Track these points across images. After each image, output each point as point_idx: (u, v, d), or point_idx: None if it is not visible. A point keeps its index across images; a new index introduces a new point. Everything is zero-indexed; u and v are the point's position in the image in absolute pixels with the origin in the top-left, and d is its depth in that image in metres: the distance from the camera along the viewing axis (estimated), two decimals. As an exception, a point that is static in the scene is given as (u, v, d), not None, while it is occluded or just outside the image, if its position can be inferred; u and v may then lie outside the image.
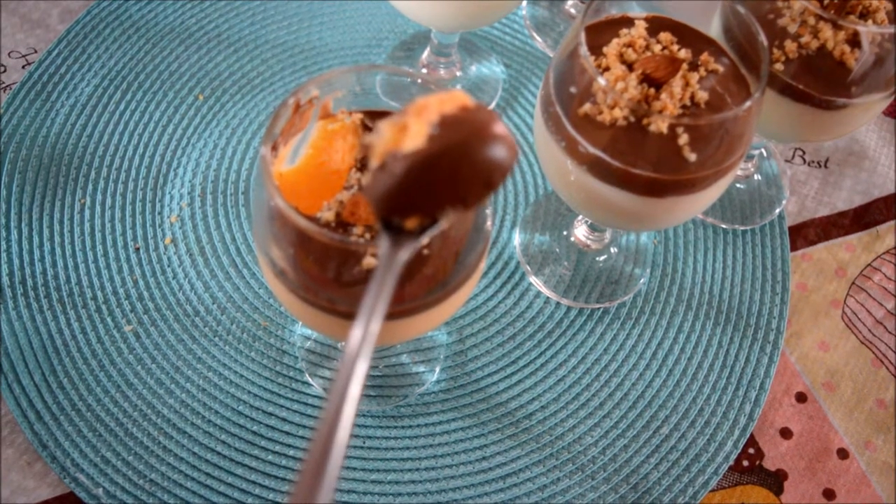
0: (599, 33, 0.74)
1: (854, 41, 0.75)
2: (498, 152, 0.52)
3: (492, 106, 1.03)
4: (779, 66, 0.78)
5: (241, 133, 0.97)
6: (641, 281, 0.93)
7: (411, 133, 0.51)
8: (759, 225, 0.97)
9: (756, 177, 1.01)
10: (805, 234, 0.98)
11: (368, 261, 0.59)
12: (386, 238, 0.53)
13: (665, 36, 0.74)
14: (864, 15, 0.77)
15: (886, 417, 0.87)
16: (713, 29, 0.79)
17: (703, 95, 0.71)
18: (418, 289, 0.61)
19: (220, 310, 0.86)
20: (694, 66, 0.73)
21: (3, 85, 0.98)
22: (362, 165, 0.65)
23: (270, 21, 1.05)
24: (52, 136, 0.94)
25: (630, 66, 0.72)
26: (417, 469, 0.81)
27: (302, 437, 0.81)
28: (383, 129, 0.52)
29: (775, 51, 0.77)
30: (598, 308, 0.91)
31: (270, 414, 0.82)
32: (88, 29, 1.01)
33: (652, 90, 0.71)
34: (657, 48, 0.74)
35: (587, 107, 0.71)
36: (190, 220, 0.91)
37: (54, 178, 0.92)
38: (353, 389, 0.48)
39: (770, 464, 0.84)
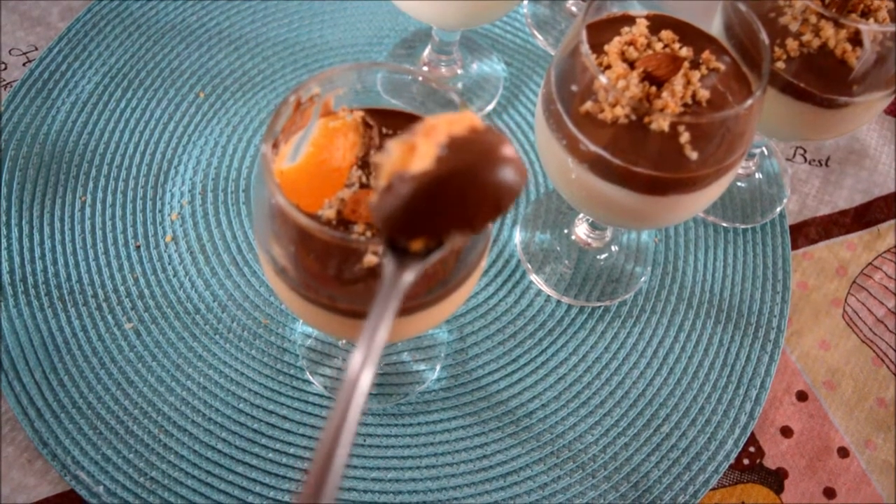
0: (601, 31, 0.74)
1: (855, 40, 0.75)
2: (507, 176, 0.51)
3: (492, 105, 1.03)
4: (780, 65, 0.78)
5: (242, 131, 0.97)
6: (642, 279, 0.93)
7: (419, 154, 0.51)
8: (760, 223, 0.97)
9: (757, 175, 1.01)
10: (806, 232, 0.98)
11: (369, 258, 0.59)
12: (391, 259, 0.53)
13: (666, 34, 0.74)
14: (866, 13, 0.77)
15: (887, 416, 0.88)
16: (714, 27, 0.79)
17: (704, 94, 0.71)
18: (419, 287, 0.61)
19: (221, 307, 0.86)
20: (695, 65, 0.73)
21: (4, 82, 0.97)
22: (363, 164, 0.66)
23: (272, 19, 1.05)
24: (53, 133, 0.94)
25: (631, 65, 0.72)
26: (418, 467, 0.81)
27: (302, 435, 0.81)
28: (391, 149, 0.52)
29: (777, 49, 0.77)
30: (599, 306, 0.91)
31: (271, 412, 0.82)
32: (89, 26, 1.01)
33: (653, 88, 0.71)
34: (658, 46, 0.74)
35: (588, 105, 0.71)
36: (191, 218, 0.91)
37: (55, 175, 0.92)
38: (353, 414, 0.47)
39: (770, 462, 0.84)
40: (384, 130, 0.67)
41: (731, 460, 0.83)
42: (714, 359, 0.88)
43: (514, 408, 0.84)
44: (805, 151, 1.05)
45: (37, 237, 0.88)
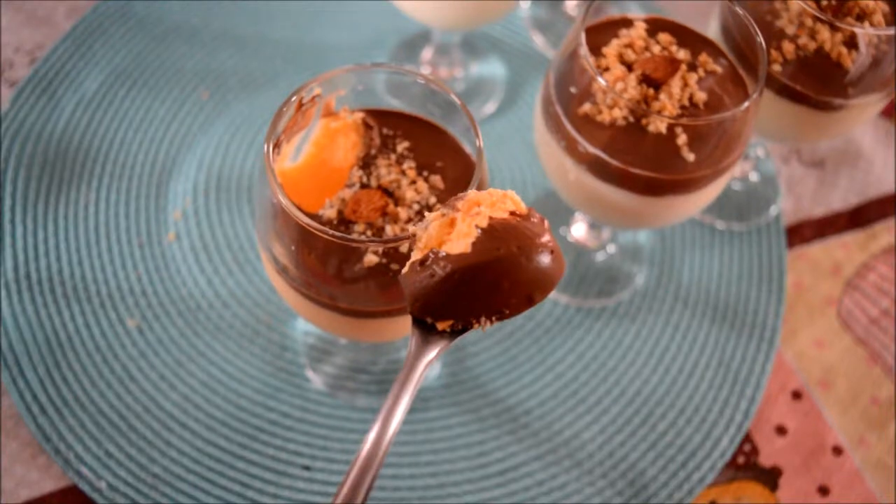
0: (599, 34, 0.75)
1: (851, 43, 0.76)
2: (544, 270, 0.50)
3: (493, 107, 1.03)
4: (776, 67, 0.78)
5: (244, 130, 0.98)
6: (639, 279, 0.93)
7: (458, 231, 0.50)
8: (756, 224, 0.98)
9: (753, 177, 1.02)
10: (801, 233, 0.99)
11: (369, 258, 0.59)
12: (415, 333, 0.52)
13: (664, 37, 0.75)
14: (861, 17, 0.78)
15: (880, 415, 0.88)
16: (712, 30, 0.80)
17: (701, 96, 0.72)
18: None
19: (223, 305, 0.87)
20: (693, 67, 0.74)
21: (9, 81, 0.98)
22: (364, 164, 0.66)
23: (274, 20, 1.06)
24: (58, 131, 0.95)
25: (629, 67, 0.73)
26: (417, 464, 0.81)
27: (302, 432, 0.82)
28: (430, 221, 0.51)
29: (773, 52, 0.78)
30: (597, 306, 0.91)
31: (271, 408, 0.82)
32: (94, 26, 1.02)
33: (651, 90, 0.71)
34: (656, 49, 0.74)
35: (587, 107, 0.71)
36: (193, 217, 0.92)
37: (59, 173, 0.92)
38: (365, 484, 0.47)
39: (765, 460, 0.85)
40: (385, 131, 0.68)
41: (727, 458, 0.84)
42: (710, 358, 0.89)
43: (513, 406, 0.85)
44: (800, 153, 1.05)
45: (41, 234, 0.88)
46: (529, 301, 0.50)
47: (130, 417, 0.80)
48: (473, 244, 0.49)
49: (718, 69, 0.74)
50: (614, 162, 0.71)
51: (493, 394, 0.85)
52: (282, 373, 0.84)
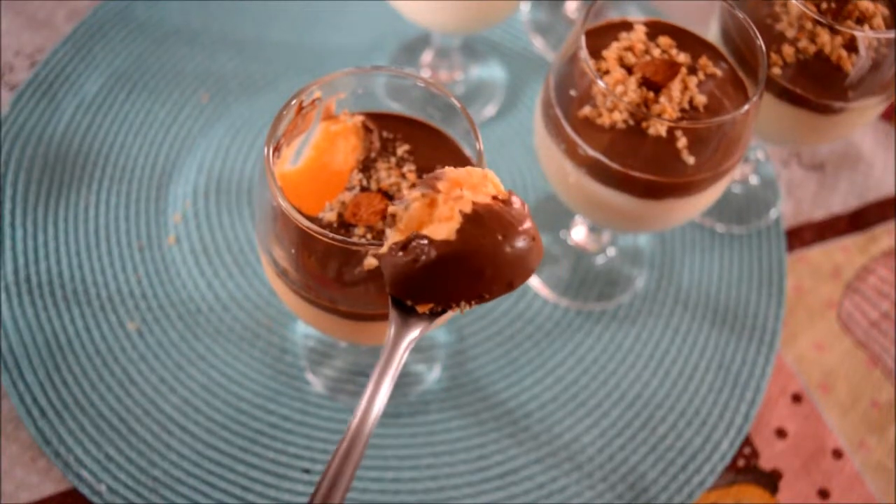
0: (599, 37, 0.75)
1: (851, 46, 0.76)
2: (525, 257, 0.50)
3: (493, 110, 1.03)
4: (776, 71, 0.78)
5: (244, 133, 0.98)
6: (639, 282, 0.93)
7: (439, 214, 0.50)
8: (756, 227, 0.98)
9: (753, 180, 1.02)
10: (801, 236, 0.99)
11: (369, 261, 0.59)
12: (395, 316, 0.53)
13: (664, 40, 0.75)
14: (861, 20, 0.78)
15: (881, 418, 0.88)
16: (712, 33, 0.80)
17: (701, 99, 0.72)
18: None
19: (223, 308, 0.87)
20: (693, 70, 0.74)
21: (10, 85, 0.98)
22: (364, 168, 0.66)
23: (274, 23, 1.06)
24: (58, 134, 0.95)
25: (629, 70, 0.73)
26: (417, 467, 0.81)
27: (302, 435, 0.82)
28: (411, 201, 0.51)
29: (773, 55, 0.78)
30: (597, 309, 0.91)
31: (271, 412, 0.82)
32: (94, 29, 1.02)
33: (651, 94, 0.71)
34: (656, 52, 0.74)
35: (587, 110, 0.71)
36: (193, 219, 0.92)
37: (59, 176, 0.92)
38: (353, 461, 0.48)
39: (765, 463, 0.85)
40: (385, 134, 0.68)
41: (727, 461, 0.84)
42: (710, 361, 0.89)
43: (513, 409, 0.85)
44: (800, 156, 1.05)
45: (41, 237, 0.88)
46: (509, 286, 0.51)
47: (130, 420, 0.80)
48: (458, 231, 0.49)
49: (718, 72, 0.74)
50: (614, 165, 0.71)
51: (494, 397, 0.86)
52: (282, 376, 0.84)
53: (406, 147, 0.67)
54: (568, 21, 1.13)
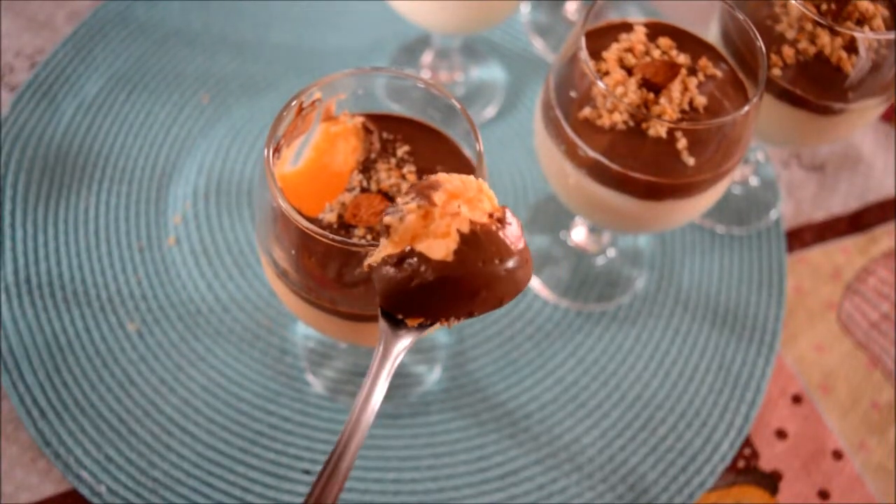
0: (599, 38, 0.75)
1: (851, 47, 0.76)
2: (518, 278, 0.51)
3: (493, 111, 1.03)
4: (776, 72, 0.78)
5: (244, 134, 0.98)
6: (639, 283, 0.93)
7: (435, 230, 0.49)
8: (756, 228, 0.98)
9: (753, 181, 1.02)
10: (801, 237, 0.99)
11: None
12: (384, 325, 0.53)
13: (664, 41, 0.75)
14: (861, 21, 0.78)
15: (881, 419, 0.88)
16: (712, 34, 0.80)
17: (701, 100, 0.72)
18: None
19: (223, 309, 0.87)
20: (693, 71, 0.74)
21: (10, 86, 0.98)
22: (364, 168, 0.66)
23: (275, 24, 1.06)
24: (58, 136, 0.95)
25: (630, 71, 0.73)
26: (418, 468, 0.81)
27: (302, 436, 0.82)
28: (406, 212, 0.50)
29: (773, 56, 0.78)
30: (597, 310, 0.91)
31: (271, 413, 0.82)
32: (94, 30, 1.02)
33: (651, 95, 0.71)
34: (656, 53, 0.74)
35: (587, 111, 0.71)
36: (193, 221, 0.92)
37: (59, 177, 0.92)
38: (346, 461, 0.48)
39: (765, 464, 0.85)
40: (385, 135, 0.68)
41: (727, 462, 0.84)
42: (710, 362, 0.89)
43: (513, 410, 0.85)
44: (800, 157, 1.05)
45: (41, 238, 0.88)
46: (500, 303, 0.51)
47: (130, 421, 0.80)
48: (455, 253, 0.49)
49: (718, 73, 0.74)
50: (614, 166, 0.71)
51: (494, 398, 0.86)
52: (282, 377, 0.84)
53: (406, 148, 0.67)
54: (568, 22, 1.13)
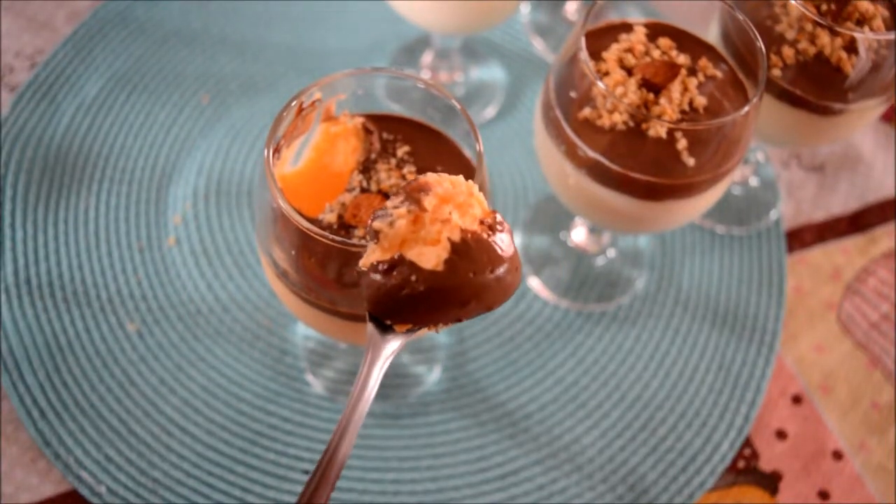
0: (599, 38, 0.75)
1: (851, 47, 0.76)
2: (508, 285, 0.50)
3: (493, 111, 1.03)
4: (776, 72, 0.78)
5: (244, 135, 0.98)
6: (639, 283, 0.93)
7: (426, 237, 0.49)
8: (756, 228, 0.98)
9: (753, 181, 1.02)
10: (801, 237, 0.99)
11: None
12: (373, 330, 0.53)
13: (664, 41, 0.75)
14: (861, 21, 0.78)
15: (881, 419, 0.88)
16: (712, 35, 0.80)
17: (701, 100, 0.72)
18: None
19: (223, 309, 0.87)
20: (692, 72, 0.74)
21: (10, 86, 0.98)
22: (364, 169, 0.66)
23: (275, 24, 1.06)
24: (58, 136, 0.95)
25: (629, 71, 0.73)
26: (417, 468, 0.81)
27: (302, 437, 0.82)
28: (396, 217, 0.50)
29: (773, 56, 0.78)
30: (597, 310, 0.91)
31: (271, 413, 0.82)
32: (94, 31, 1.02)
33: (651, 95, 0.71)
34: (656, 54, 0.74)
35: (587, 111, 0.71)
36: (193, 221, 0.92)
37: (59, 178, 0.92)
38: (339, 459, 0.48)
39: (766, 465, 0.85)
40: (385, 135, 0.68)
41: (727, 463, 0.84)
42: (710, 362, 0.89)
43: (513, 410, 0.85)
44: (800, 157, 1.05)
45: (41, 239, 0.88)
46: (488, 310, 0.51)
47: (130, 422, 0.80)
48: (446, 262, 0.48)
49: (718, 74, 0.74)
50: (614, 166, 0.71)
51: (494, 398, 0.86)
52: (282, 377, 0.84)
53: (406, 148, 0.67)
54: (568, 22, 1.13)
